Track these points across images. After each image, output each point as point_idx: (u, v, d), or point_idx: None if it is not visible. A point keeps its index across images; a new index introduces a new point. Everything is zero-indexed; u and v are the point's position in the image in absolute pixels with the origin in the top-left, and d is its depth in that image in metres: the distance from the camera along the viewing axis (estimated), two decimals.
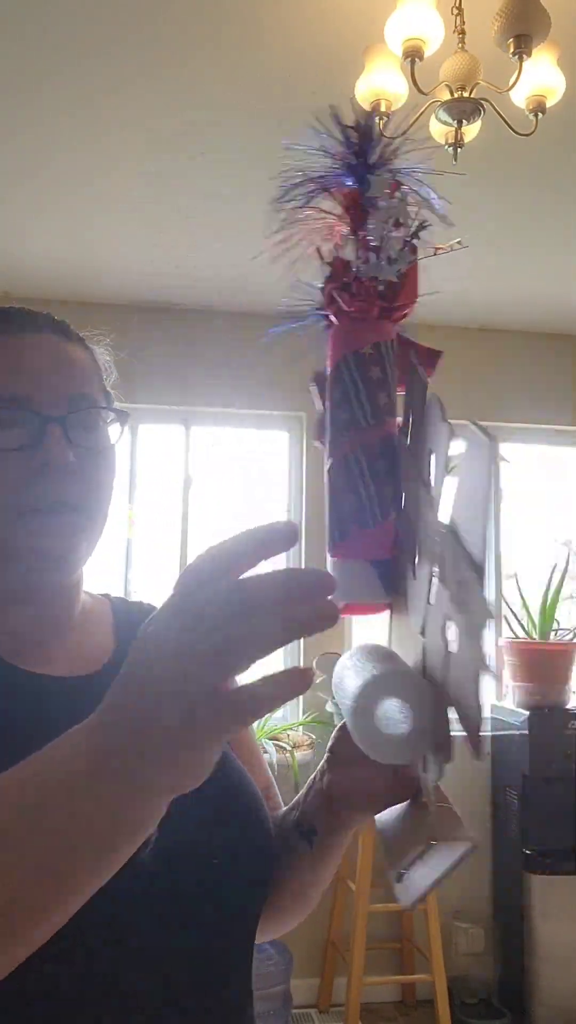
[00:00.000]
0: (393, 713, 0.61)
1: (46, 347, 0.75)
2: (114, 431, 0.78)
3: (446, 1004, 3.01)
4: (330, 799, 0.77)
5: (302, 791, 0.81)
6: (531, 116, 1.85)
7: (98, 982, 0.62)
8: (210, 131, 2.41)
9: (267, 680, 0.43)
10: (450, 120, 1.81)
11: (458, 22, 1.86)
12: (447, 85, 1.79)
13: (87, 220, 2.96)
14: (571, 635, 3.45)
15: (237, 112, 2.31)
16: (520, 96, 1.84)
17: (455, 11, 1.86)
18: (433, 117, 1.84)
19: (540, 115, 1.84)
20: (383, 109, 1.81)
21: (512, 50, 1.74)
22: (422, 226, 0.73)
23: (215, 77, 2.18)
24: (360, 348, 0.73)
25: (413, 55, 1.75)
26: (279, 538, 0.45)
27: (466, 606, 0.51)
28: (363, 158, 0.74)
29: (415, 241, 0.73)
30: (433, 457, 0.63)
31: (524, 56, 1.73)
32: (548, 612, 3.40)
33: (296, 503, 3.77)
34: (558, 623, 3.44)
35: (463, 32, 1.86)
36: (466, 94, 1.79)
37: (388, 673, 0.61)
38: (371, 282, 0.73)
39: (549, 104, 1.86)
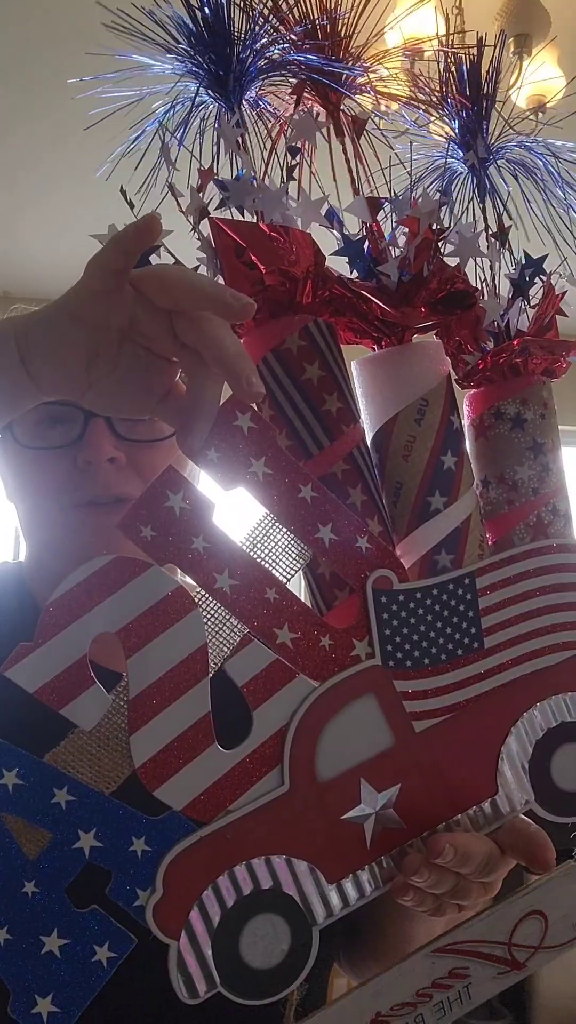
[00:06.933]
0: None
1: None
2: None
3: None
4: None
5: None
6: (531, 115, 1.85)
7: None
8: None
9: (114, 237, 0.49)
10: None
11: (458, 22, 1.86)
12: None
13: (88, 220, 2.96)
14: None
15: None
16: (520, 96, 1.84)
17: (455, 11, 1.86)
18: None
19: (541, 114, 1.84)
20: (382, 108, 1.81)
21: (512, 50, 1.74)
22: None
23: None
24: (280, 343, 0.52)
25: (413, 55, 1.75)
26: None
27: None
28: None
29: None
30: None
31: (524, 56, 1.74)
32: None
33: None
34: None
35: (463, 32, 1.86)
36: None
37: None
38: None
39: (549, 104, 1.86)
